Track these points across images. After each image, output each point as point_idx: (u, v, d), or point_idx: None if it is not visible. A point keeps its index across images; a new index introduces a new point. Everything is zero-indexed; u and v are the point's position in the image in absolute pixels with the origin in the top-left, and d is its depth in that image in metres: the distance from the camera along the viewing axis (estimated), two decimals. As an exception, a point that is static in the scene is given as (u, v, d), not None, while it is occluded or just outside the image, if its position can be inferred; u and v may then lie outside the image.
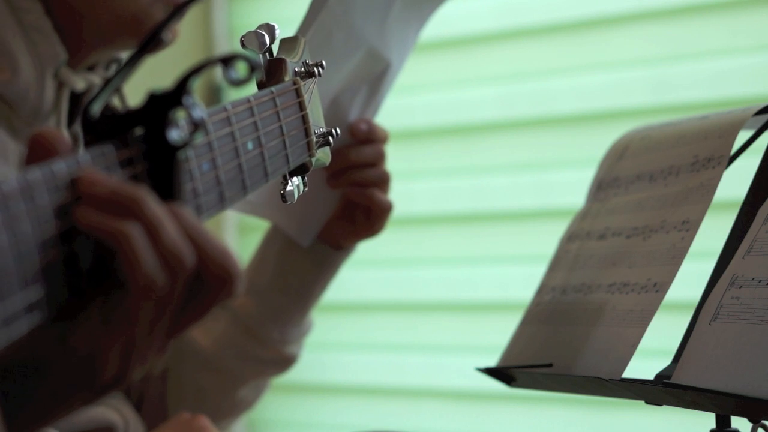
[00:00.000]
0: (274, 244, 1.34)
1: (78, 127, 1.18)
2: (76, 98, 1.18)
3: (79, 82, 1.15)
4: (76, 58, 1.15)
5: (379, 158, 1.30)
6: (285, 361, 1.37)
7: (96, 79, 1.17)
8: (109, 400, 1.23)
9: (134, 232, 0.61)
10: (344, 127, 1.28)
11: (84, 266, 0.61)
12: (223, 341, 1.34)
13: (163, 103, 0.66)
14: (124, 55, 1.21)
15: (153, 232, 0.62)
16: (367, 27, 1.23)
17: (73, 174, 0.61)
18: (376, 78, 1.28)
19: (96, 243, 0.61)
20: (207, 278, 0.65)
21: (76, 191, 0.60)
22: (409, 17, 1.28)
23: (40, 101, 1.11)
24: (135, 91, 0.82)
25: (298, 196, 0.92)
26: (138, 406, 1.33)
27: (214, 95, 2.45)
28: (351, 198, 1.30)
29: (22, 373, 0.63)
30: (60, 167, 0.60)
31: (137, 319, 0.63)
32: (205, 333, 1.35)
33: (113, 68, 1.21)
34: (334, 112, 1.25)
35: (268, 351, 1.34)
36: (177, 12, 0.72)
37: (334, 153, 1.26)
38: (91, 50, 1.16)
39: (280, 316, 1.34)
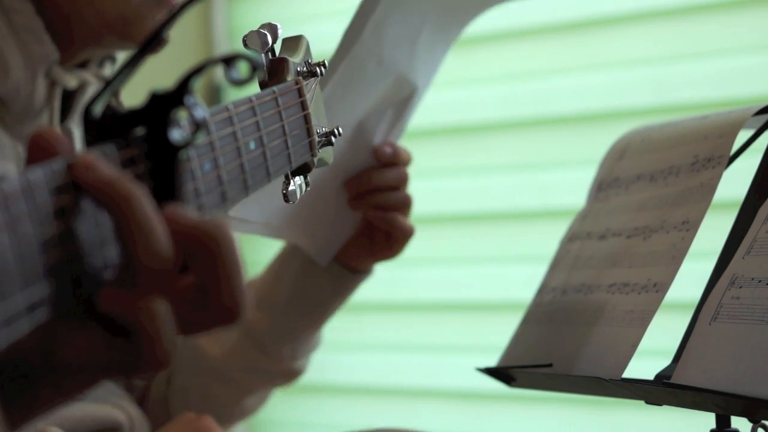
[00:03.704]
0: (292, 262, 1.33)
1: (71, 124, 1.18)
2: (68, 95, 1.18)
3: (71, 80, 1.15)
4: (68, 55, 1.15)
5: (402, 182, 1.29)
6: (292, 375, 1.37)
7: (88, 76, 1.17)
8: (114, 399, 1.23)
9: (161, 314, 0.61)
10: (369, 150, 1.27)
11: (85, 267, 0.61)
12: (233, 353, 1.34)
13: (165, 103, 0.65)
14: (120, 53, 1.21)
15: (142, 234, 0.62)
16: (398, 54, 1.23)
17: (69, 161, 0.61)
18: (402, 102, 1.28)
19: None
20: (214, 305, 0.65)
21: (71, 175, 0.60)
22: (436, 41, 1.28)
23: (30, 100, 1.11)
24: (136, 91, 0.82)
25: (301, 196, 0.92)
26: (140, 405, 1.33)
27: (215, 95, 2.45)
28: (372, 221, 1.29)
29: (9, 375, 0.63)
30: (61, 166, 0.60)
31: (138, 375, 0.63)
32: (214, 342, 1.35)
33: (107, 66, 1.21)
34: (359, 135, 1.26)
35: (278, 365, 1.35)
36: (179, 12, 0.72)
37: (358, 175, 1.27)
38: (81, 48, 1.15)
39: (293, 334, 1.34)
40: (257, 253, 2.20)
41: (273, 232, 1.28)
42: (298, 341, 1.34)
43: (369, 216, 1.29)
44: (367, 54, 1.19)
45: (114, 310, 0.61)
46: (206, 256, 0.63)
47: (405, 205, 1.29)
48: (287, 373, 1.36)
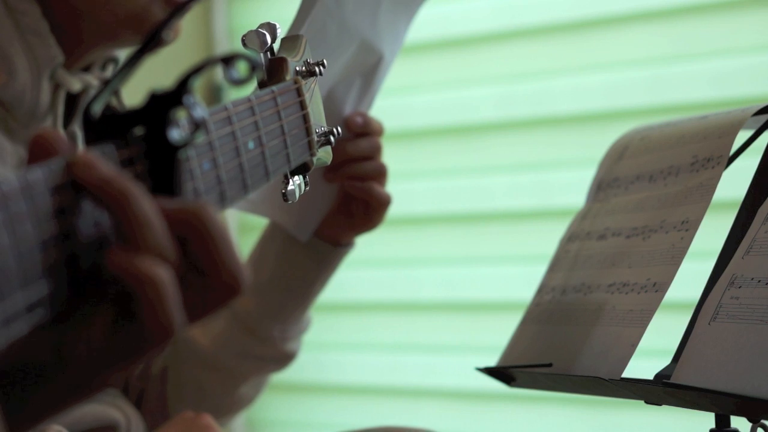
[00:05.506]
0: (273, 242, 1.34)
1: (75, 128, 1.19)
2: (72, 99, 1.18)
3: (75, 84, 1.15)
4: (73, 57, 1.15)
5: (376, 151, 1.29)
6: (285, 358, 1.37)
7: (92, 79, 1.17)
8: (110, 398, 1.23)
9: (163, 278, 0.61)
10: (339, 120, 1.27)
11: (84, 266, 0.61)
12: (222, 340, 1.34)
13: (164, 103, 0.66)
14: (122, 54, 1.21)
15: (138, 231, 0.62)
16: (359, 19, 1.23)
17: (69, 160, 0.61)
18: (369, 71, 1.28)
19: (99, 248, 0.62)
20: (214, 284, 0.65)
21: (69, 173, 0.60)
22: (399, 9, 1.28)
23: (35, 103, 1.12)
24: (135, 91, 0.82)
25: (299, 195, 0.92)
26: (137, 405, 1.33)
27: (214, 95, 2.45)
28: (349, 192, 1.29)
29: (19, 378, 0.63)
30: (59, 165, 0.60)
31: (147, 354, 0.63)
32: (204, 332, 1.35)
33: (110, 68, 1.21)
34: (329, 105, 1.25)
35: (268, 349, 1.34)
36: (178, 11, 0.72)
37: None
38: (89, 49, 1.16)
39: (280, 314, 1.34)
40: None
41: (247, 206, 1.27)
42: (286, 322, 1.34)
43: (346, 186, 1.29)
44: (328, 17, 1.18)
45: (119, 270, 0.61)
46: (194, 236, 0.64)
47: (380, 173, 1.30)
48: (279, 357, 1.36)
